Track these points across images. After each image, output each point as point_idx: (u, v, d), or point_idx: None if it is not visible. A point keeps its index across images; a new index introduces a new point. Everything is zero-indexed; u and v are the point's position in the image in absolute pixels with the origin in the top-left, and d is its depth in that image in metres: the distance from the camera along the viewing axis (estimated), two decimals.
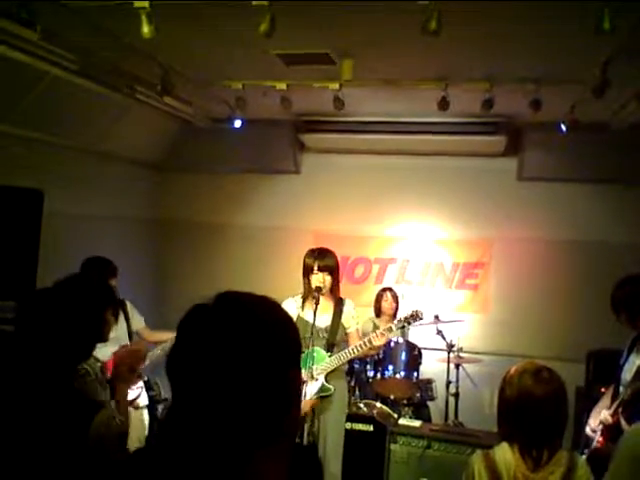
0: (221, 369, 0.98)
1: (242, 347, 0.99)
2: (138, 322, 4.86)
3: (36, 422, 1.83)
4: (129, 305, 4.77)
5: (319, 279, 4.24)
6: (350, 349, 4.26)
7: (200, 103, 5.83)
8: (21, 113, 4.74)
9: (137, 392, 4.41)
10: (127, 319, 4.69)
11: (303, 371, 4.09)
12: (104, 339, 2.42)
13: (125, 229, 6.45)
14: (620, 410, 3.43)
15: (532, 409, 2.27)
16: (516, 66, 4.47)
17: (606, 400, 3.87)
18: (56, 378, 1.96)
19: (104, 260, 4.61)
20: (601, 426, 3.68)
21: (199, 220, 7.16)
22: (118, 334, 4.53)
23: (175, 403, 1.02)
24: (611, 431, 3.48)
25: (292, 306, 4.40)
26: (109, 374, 2.74)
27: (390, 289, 6.15)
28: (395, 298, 6.06)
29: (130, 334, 4.64)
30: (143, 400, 4.54)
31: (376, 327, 5.85)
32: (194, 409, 0.99)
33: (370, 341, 4.20)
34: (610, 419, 3.47)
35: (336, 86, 4.91)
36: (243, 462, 0.98)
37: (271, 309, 1.09)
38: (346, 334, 4.43)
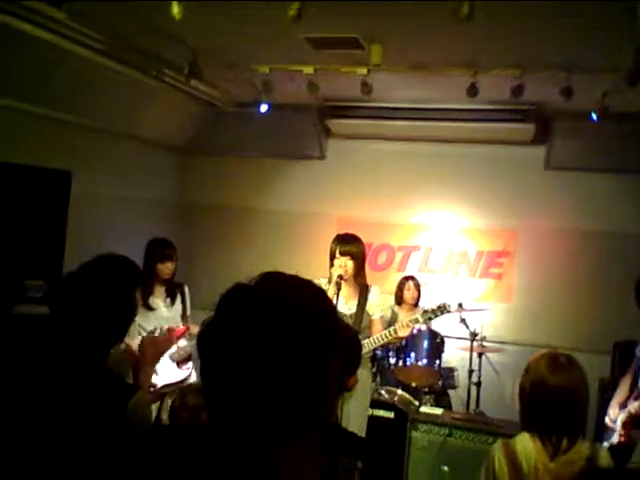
0: (258, 350, 0.96)
1: (281, 329, 0.97)
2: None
3: (72, 405, 1.85)
4: (187, 289, 4.80)
5: (340, 264, 4.24)
6: (375, 338, 4.26)
7: (227, 87, 5.83)
8: (48, 94, 4.78)
9: (187, 372, 4.47)
10: (183, 302, 4.74)
11: None
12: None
13: (151, 211, 6.50)
14: None
15: (546, 397, 2.26)
16: (547, 53, 4.40)
17: (624, 390, 3.83)
18: (90, 360, 1.97)
19: (165, 241, 4.66)
20: (621, 416, 3.64)
21: (224, 204, 7.18)
22: (173, 315, 4.62)
23: (206, 382, 1.01)
24: (635, 422, 3.44)
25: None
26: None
27: (412, 277, 6.12)
28: (417, 287, 6.04)
29: (184, 317, 4.69)
30: (194, 379, 4.59)
31: (395, 315, 5.85)
32: (224, 390, 0.98)
33: (395, 331, 4.20)
34: (638, 410, 3.41)
35: (364, 71, 4.87)
36: (273, 448, 0.96)
37: (315, 294, 1.07)
38: (370, 321, 4.44)
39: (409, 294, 5.99)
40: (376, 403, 4.86)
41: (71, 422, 1.81)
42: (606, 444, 3.41)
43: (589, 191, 6.26)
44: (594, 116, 5.42)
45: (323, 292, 1.08)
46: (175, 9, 3.41)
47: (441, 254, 6.75)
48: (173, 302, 4.64)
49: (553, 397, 2.25)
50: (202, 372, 1.01)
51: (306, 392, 0.98)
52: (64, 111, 5.07)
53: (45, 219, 4.94)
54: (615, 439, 3.63)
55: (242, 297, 1.03)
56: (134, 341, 3.74)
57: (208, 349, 1.01)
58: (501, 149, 6.49)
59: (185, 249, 6.90)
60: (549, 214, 6.39)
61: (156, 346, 2.60)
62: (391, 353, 5.60)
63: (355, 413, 4.37)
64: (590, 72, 4.52)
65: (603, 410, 4.10)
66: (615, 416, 3.71)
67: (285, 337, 0.97)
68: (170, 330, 4.20)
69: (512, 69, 4.65)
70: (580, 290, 6.21)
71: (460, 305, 5.66)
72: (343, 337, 2.02)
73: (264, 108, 6.07)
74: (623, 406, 3.73)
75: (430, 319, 4.45)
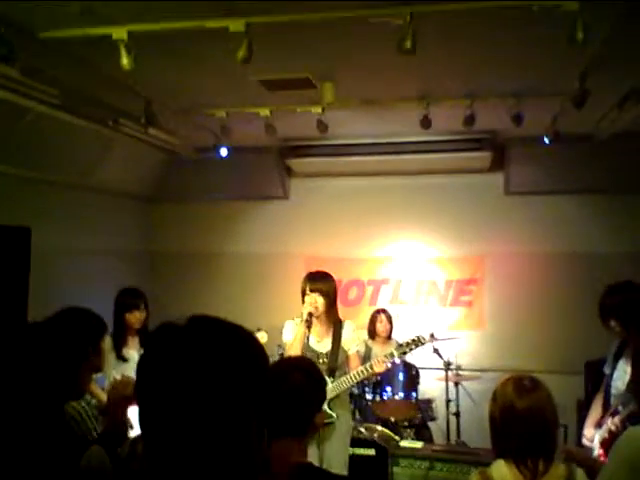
0: (186, 388, 0.96)
1: (208, 367, 0.98)
2: None
3: (26, 455, 1.80)
4: None
5: (310, 301, 4.22)
6: (351, 375, 4.22)
7: (185, 133, 5.84)
8: (4, 150, 4.73)
9: None
10: None
11: None
12: (99, 369, 2.40)
13: (116, 262, 6.42)
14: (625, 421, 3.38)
15: (515, 421, 2.24)
16: (495, 81, 4.51)
17: (597, 409, 3.84)
18: (46, 413, 1.93)
19: (133, 291, 4.65)
20: (598, 436, 3.64)
21: (189, 250, 7.14)
22: None
23: (144, 422, 1.01)
24: (613, 441, 3.43)
25: (292, 328, 4.37)
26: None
27: (384, 310, 6.11)
28: (389, 319, 6.03)
29: None
30: None
31: (369, 349, 5.81)
32: (152, 425, 0.99)
33: (372, 366, 4.18)
34: (619, 427, 3.40)
35: (319, 110, 4.94)
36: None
37: (244, 336, 1.08)
38: (347, 357, 4.40)
39: (381, 326, 5.98)
40: (356, 441, 4.79)
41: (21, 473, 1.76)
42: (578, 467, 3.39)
43: (550, 213, 6.38)
44: (546, 140, 5.56)
45: (252, 337, 1.09)
46: (125, 60, 3.42)
47: (411, 285, 6.77)
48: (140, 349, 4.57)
49: (523, 420, 2.23)
50: (140, 411, 1.02)
51: (223, 430, 0.98)
52: (22, 167, 5.02)
53: (5, 277, 4.84)
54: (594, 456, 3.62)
55: (170, 337, 1.04)
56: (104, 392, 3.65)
57: (139, 384, 1.04)
58: (460, 178, 6.60)
59: (154, 297, 6.79)
60: (513, 238, 6.48)
61: (123, 387, 2.54)
62: (367, 389, 5.55)
63: (336, 453, 4.29)
64: (539, 97, 4.64)
65: (581, 430, 4.10)
66: (591, 436, 3.71)
67: (211, 375, 0.98)
68: None
69: (463, 99, 4.75)
70: (550, 312, 6.27)
71: (432, 335, 5.63)
72: (300, 376, 1.99)
73: (224, 152, 6.10)
74: (598, 425, 3.74)
75: (405, 353, 4.42)
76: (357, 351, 4.47)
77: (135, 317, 4.52)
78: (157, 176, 6.84)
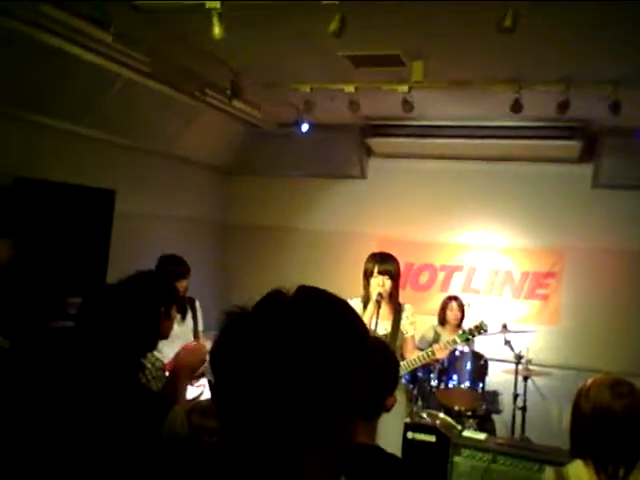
0: (280, 359, 0.93)
1: (307, 341, 0.95)
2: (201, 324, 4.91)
3: (107, 420, 1.83)
4: (198, 304, 4.80)
5: (378, 282, 4.18)
6: (412, 359, 4.18)
7: (268, 107, 5.86)
8: (94, 115, 4.87)
9: (200, 390, 4.43)
10: (195, 317, 4.73)
11: None
12: (164, 336, 2.41)
13: (192, 230, 6.56)
14: None
15: (610, 424, 2.15)
16: (594, 67, 4.29)
17: None
18: (121, 374, 1.97)
19: (178, 259, 4.66)
20: None
21: (264, 224, 7.20)
22: (184, 331, 4.60)
23: (222, 392, 0.98)
24: None
25: (356, 307, 4.36)
26: (168, 371, 2.74)
27: (456, 298, 6.00)
28: (461, 307, 5.92)
29: (196, 332, 4.69)
30: (207, 396, 4.57)
31: (437, 335, 5.73)
32: (239, 400, 0.96)
33: (433, 352, 4.12)
34: None
35: (405, 88, 4.84)
36: (288, 462, 0.94)
37: (349, 312, 1.05)
38: (403, 340, 4.37)
39: (452, 314, 5.88)
40: (417, 426, 4.74)
41: (107, 438, 1.79)
42: None
43: (638, 210, 6.07)
44: None
45: (355, 312, 1.05)
46: (216, 30, 3.44)
47: (485, 274, 6.61)
48: (184, 318, 4.61)
49: (617, 425, 2.14)
50: (218, 381, 0.99)
51: (321, 407, 0.95)
52: (109, 132, 5.17)
53: (89, 237, 5.01)
54: None
55: (278, 306, 1.01)
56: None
57: (230, 354, 0.99)
58: (547, 167, 6.35)
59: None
60: (596, 234, 6.21)
61: (193, 355, 2.55)
62: (433, 375, 5.47)
63: (390, 435, 4.26)
64: (638, 87, 4.39)
65: None
66: None
67: (308, 349, 0.94)
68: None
69: (557, 84, 4.55)
70: (629, 312, 6.00)
71: (504, 326, 5.52)
72: (380, 357, 1.95)
73: (305, 128, 6.09)
74: None
75: (468, 340, 4.35)
76: (412, 336, 4.43)
77: (182, 285, 4.50)
78: (237, 148, 6.91)
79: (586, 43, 3.85)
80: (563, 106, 4.64)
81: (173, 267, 4.52)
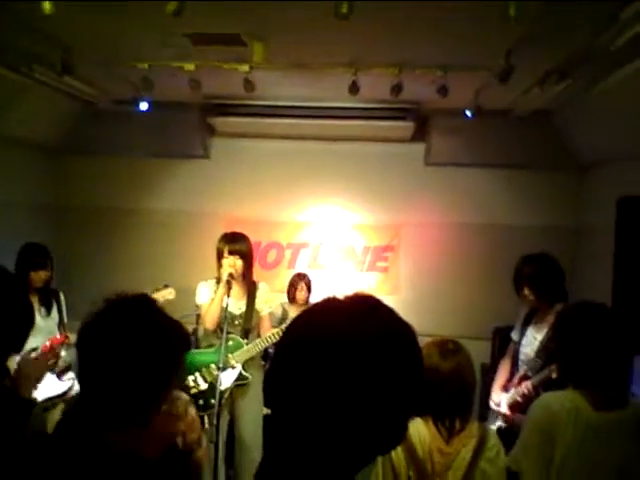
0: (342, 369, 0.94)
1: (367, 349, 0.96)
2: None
3: None
4: (62, 297, 4.58)
5: (229, 263, 4.21)
6: (267, 336, 4.27)
7: (103, 84, 5.58)
8: None
9: (69, 384, 4.22)
10: (60, 310, 4.51)
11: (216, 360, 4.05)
12: None
13: (21, 215, 6.08)
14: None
15: (440, 382, 2.35)
16: (424, 52, 4.54)
17: (503, 374, 4.05)
18: None
19: (37, 247, 4.42)
20: (505, 400, 3.84)
21: (103, 205, 6.88)
22: (49, 324, 4.37)
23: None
24: (520, 406, 3.63)
25: (206, 290, 4.36)
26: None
27: (304, 277, 6.15)
28: (308, 286, 6.09)
29: (62, 325, 4.46)
30: (76, 390, 4.35)
31: (286, 312, 5.86)
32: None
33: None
34: (531, 391, 3.58)
35: (246, 68, 4.83)
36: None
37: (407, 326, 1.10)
38: (259, 318, 4.44)
39: (301, 295, 6.04)
40: None
41: None
42: (492, 426, 3.59)
43: (467, 185, 6.58)
44: (469, 113, 5.69)
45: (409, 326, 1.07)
46: (47, 5, 3.22)
47: (330, 250, 6.84)
48: (49, 311, 4.42)
49: (446, 381, 2.34)
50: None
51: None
52: None
53: None
54: (500, 422, 3.83)
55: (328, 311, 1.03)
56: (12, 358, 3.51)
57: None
58: (383, 146, 6.67)
59: (62, 254, 6.58)
60: (431, 208, 6.65)
61: (36, 367, 2.44)
62: None
63: (250, 414, 4.34)
64: (465, 71, 4.72)
65: (485, 393, 4.33)
66: (499, 399, 3.92)
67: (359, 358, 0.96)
68: (49, 341, 3.97)
69: (391, 68, 4.78)
70: (462, 280, 6.51)
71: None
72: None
73: (144, 106, 5.87)
74: (504, 389, 3.95)
75: None
76: (269, 313, 4.53)
77: (39, 276, 4.33)
78: (71, 127, 6.51)
79: (416, 30, 4.06)
80: (397, 89, 4.88)
81: (31, 257, 4.32)
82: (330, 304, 1.04)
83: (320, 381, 0.92)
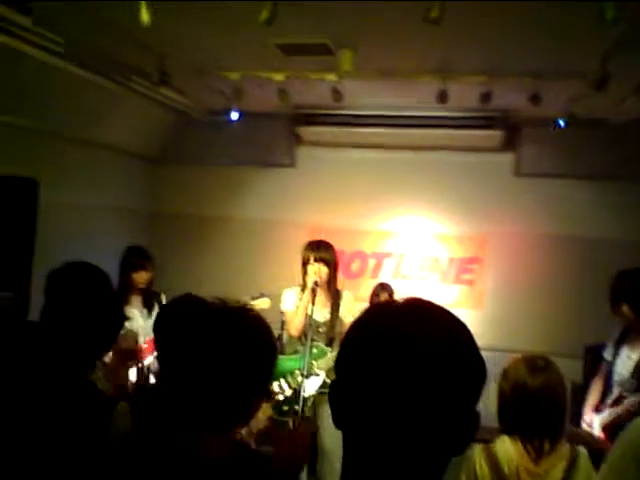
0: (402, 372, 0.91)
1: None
2: None
3: (57, 420, 1.80)
4: (164, 299, 4.70)
5: (314, 270, 4.23)
6: None
7: (196, 94, 5.78)
8: (12, 100, 4.67)
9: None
10: None
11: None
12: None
13: (120, 220, 6.39)
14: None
15: (528, 399, 2.27)
16: (515, 59, 4.44)
17: (595, 394, 3.87)
18: (76, 373, 1.92)
19: (139, 250, 4.65)
20: (598, 421, 3.67)
21: (195, 212, 7.11)
22: (150, 325, 4.52)
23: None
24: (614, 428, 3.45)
25: (293, 297, 4.40)
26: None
27: (387, 286, 6.10)
28: (391, 296, 6.03)
29: None
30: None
31: None
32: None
33: None
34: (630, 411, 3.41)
35: (334, 77, 4.87)
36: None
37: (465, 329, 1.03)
38: (342, 326, 4.43)
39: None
40: None
41: (55, 437, 1.75)
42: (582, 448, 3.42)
43: (558, 197, 6.35)
44: (561, 122, 5.51)
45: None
46: (144, 15, 3.36)
47: (414, 260, 6.77)
48: (150, 312, 4.56)
49: (535, 399, 2.26)
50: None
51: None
52: (30, 118, 4.96)
53: (12, 229, 4.82)
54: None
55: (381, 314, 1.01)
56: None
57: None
58: (470, 156, 6.54)
59: (156, 258, 6.82)
60: (518, 220, 6.46)
61: (127, 346, 2.57)
62: None
63: (332, 421, 4.33)
64: (557, 78, 4.58)
65: (576, 413, 4.14)
66: (590, 420, 3.75)
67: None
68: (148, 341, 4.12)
69: (480, 76, 4.69)
70: (551, 295, 6.27)
71: None
72: None
73: (235, 116, 6.04)
74: (596, 410, 3.77)
75: None
76: (351, 321, 4.51)
77: (142, 277, 4.51)
78: (165, 136, 6.78)
79: (507, 36, 3.98)
80: (486, 97, 4.79)
81: (133, 258, 4.52)
82: (384, 308, 1.02)
83: (387, 384, 0.91)
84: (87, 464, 1.69)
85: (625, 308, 3.59)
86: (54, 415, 1.79)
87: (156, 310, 4.59)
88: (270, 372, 1.63)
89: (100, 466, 1.59)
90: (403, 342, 0.92)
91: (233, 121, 6.08)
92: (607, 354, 3.88)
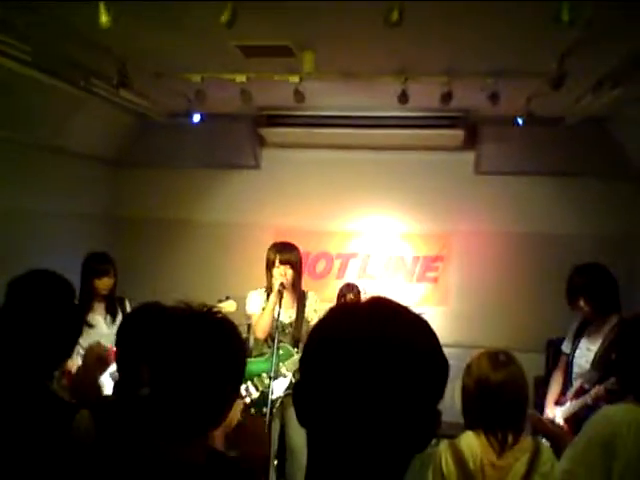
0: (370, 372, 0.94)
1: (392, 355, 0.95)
2: None
3: (15, 427, 1.78)
4: (128, 304, 4.65)
5: (280, 272, 4.25)
6: None
7: (158, 97, 5.72)
8: None
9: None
10: None
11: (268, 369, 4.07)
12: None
13: (80, 226, 6.28)
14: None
15: (491, 394, 2.30)
16: (475, 59, 4.50)
17: (556, 387, 3.95)
18: (35, 382, 1.90)
19: (100, 256, 4.56)
20: (560, 413, 3.74)
21: (158, 216, 7.03)
22: (114, 332, 4.45)
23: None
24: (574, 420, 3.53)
25: (258, 299, 4.40)
26: None
27: (353, 288, 6.12)
28: (357, 297, 6.05)
29: None
30: None
31: None
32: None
33: None
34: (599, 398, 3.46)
35: (296, 79, 4.87)
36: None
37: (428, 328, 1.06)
38: (309, 327, 4.45)
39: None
40: None
41: (12, 444, 1.73)
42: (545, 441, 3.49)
43: (518, 194, 6.46)
44: (520, 121, 5.61)
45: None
46: (103, 17, 3.32)
47: (379, 260, 6.81)
48: (114, 319, 4.50)
49: (497, 393, 2.29)
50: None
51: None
52: None
53: None
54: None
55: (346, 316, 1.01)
56: (73, 361, 3.60)
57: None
58: (432, 155, 6.62)
59: (119, 263, 6.72)
60: (481, 217, 6.56)
61: (99, 353, 2.54)
62: None
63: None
64: (516, 77, 4.66)
65: (538, 407, 4.22)
66: (553, 414, 3.82)
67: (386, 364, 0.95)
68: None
69: (441, 76, 4.75)
70: (514, 291, 6.39)
71: None
72: None
73: (197, 118, 6.01)
74: (558, 403, 3.85)
75: None
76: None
77: (104, 283, 4.45)
78: (127, 140, 6.69)
79: (466, 37, 4.03)
80: (446, 97, 4.85)
81: (95, 264, 4.44)
82: (346, 309, 1.04)
83: (350, 383, 0.93)
84: (46, 471, 1.67)
85: (582, 302, 3.67)
86: (11, 422, 1.77)
87: (120, 316, 4.54)
88: (241, 373, 1.63)
89: (61, 473, 1.57)
90: (365, 342, 0.94)
91: (196, 123, 6.04)
92: (565, 347, 3.97)
